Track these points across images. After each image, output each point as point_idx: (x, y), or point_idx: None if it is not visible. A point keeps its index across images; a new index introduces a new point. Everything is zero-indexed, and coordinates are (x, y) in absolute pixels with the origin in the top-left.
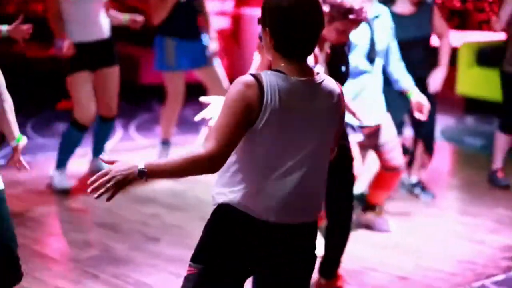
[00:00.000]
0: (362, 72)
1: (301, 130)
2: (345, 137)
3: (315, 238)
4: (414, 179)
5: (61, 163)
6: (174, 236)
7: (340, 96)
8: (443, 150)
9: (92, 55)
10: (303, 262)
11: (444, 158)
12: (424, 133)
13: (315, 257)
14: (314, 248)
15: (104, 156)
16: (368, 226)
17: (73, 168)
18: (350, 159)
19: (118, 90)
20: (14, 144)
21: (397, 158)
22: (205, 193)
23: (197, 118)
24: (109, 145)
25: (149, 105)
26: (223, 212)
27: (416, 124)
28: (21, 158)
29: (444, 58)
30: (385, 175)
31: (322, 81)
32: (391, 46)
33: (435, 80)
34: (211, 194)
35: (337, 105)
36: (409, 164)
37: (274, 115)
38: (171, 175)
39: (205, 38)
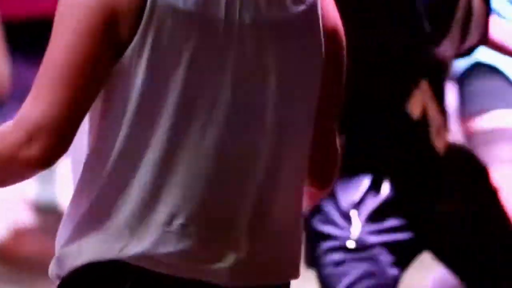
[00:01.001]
0: None
1: (232, 78)
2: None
3: None
4: None
5: None
6: None
7: (317, 6)
8: None
9: None
10: None
11: None
12: None
13: None
14: None
15: None
16: None
17: None
18: (491, 194)
19: None
20: None
21: None
22: None
23: None
24: None
25: (16, 68)
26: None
27: None
28: None
29: None
30: None
31: None
32: None
33: None
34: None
35: (312, 26)
36: None
37: (171, 33)
38: None
39: None
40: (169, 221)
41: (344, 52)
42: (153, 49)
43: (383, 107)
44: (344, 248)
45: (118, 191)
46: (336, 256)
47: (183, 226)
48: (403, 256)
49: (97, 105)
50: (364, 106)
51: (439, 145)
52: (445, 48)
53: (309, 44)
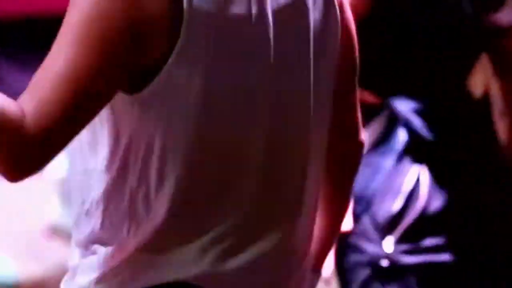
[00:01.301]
0: None
1: (274, 72)
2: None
3: None
4: None
5: None
6: None
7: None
8: None
9: None
10: None
11: None
12: None
13: None
14: None
15: None
16: None
17: None
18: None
19: None
20: None
21: None
22: None
23: None
24: None
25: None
26: None
27: None
28: None
29: None
30: None
31: None
32: None
33: None
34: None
35: (333, 25)
36: None
37: (215, 41)
38: None
39: None
40: (221, 239)
41: (353, 26)
42: (197, 60)
43: (440, 84)
44: (372, 265)
45: (173, 215)
46: (364, 273)
47: (237, 243)
48: (437, 281)
49: (123, 133)
50: (419, 84)
51: (500, 130)
52: (504, 14)
53: (329, 19)
